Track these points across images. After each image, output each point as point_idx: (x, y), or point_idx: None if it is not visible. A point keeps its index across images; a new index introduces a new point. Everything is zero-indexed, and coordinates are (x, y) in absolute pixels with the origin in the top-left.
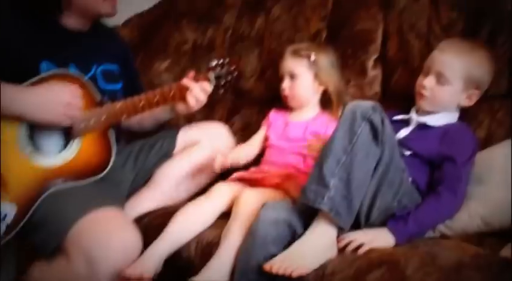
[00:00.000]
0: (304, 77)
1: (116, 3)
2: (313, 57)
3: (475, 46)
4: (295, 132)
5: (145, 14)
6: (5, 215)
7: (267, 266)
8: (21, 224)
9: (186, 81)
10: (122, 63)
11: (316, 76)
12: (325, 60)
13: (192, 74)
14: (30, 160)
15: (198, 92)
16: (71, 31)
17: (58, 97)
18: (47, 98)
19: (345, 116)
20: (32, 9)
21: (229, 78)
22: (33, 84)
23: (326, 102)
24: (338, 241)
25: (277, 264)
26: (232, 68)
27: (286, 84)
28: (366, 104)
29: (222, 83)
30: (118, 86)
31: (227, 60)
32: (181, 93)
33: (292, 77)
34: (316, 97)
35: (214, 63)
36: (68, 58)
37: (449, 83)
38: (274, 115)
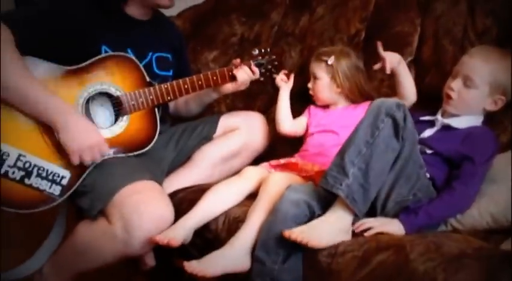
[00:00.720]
0: (323, 79)
1: None
2: (330, 62)
3: (504, 54)
4: (328, 121)
5: (198, 7)
6: (62, 178)
7: (286, 233)
8: (75, 187)
9: (229, 70)
10: (176, 52)
11: (333, 78)
12: (344, 64)
13: (236, 60)
14: None
15: (244, 73)
16: (132, 19)
17: (89, 138)
18: (81, 131)
19: (370, 111)
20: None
21: (269, 67)
22: (92, 63)
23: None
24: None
25: (296, 233)
26: (273, 57)
27: (310, 84)
28: (391, 101)
29: (263, 71)
30: (169, 73)
31: (269, 50)
32: (223, 78)
33: (315, 78)
34: (340, 96)
35: (256, 52)
36: (126, 44)
37: (476, 86)
38: (313, 109)
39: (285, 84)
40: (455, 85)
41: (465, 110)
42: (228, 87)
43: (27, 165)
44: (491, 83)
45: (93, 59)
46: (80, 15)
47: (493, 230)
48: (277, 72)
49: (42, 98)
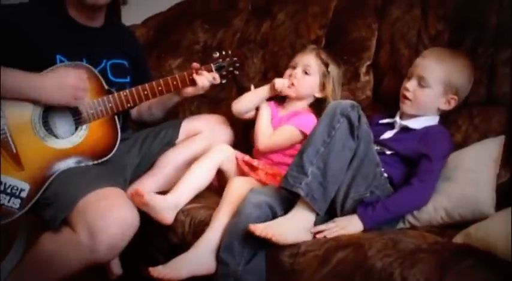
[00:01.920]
0: (314, 77)
1: None
2: (330, 68)
3: (455, 54)
4: (278, 124)
5: (161, 14)
6: (21, 191)
7: (252, 227)
8: (35, 199)
9: (189, 74)
10: (132, 59)
11: (323, 84)
12: (336, 75)
13: (195, 64)
14: (44, 142)
15: (204, 79)
16: (84, 27)
17: (65, 80)
18: (55, 81)
19: (326, 112)
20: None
21: (230, 69)
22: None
23: (317, 107)
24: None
25: (261, 228)
26: (234, 59)
27: (298, 73)
28: (346, 102)
29: (224, 73)
30: (126, 79)
31: (230, 52)
32: (183, 82)
33: (306, 71)
34: (310, 100)
35: (217, 54)
36: (80, 52)
37: (430, 86)
38: (272, 105)
39: (266, 104)
40: (410, 85)
41: (421, 109)
42: (189, 90)
43: None
44: (445, 83)
45: (49, 69)
46: (31, 27)
47: (446, 225)
48: (240, 80)
49: (6, 80)
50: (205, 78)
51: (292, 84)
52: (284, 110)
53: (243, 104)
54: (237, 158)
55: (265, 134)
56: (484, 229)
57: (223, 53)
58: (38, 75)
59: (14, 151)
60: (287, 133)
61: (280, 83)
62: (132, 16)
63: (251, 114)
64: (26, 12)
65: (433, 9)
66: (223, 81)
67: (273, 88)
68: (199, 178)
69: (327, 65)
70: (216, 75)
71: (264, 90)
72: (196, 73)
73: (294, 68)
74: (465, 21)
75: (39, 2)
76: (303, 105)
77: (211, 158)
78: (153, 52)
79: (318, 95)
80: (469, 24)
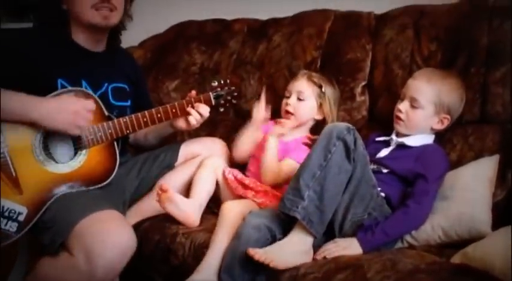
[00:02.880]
0: (310, 102)
1: (110, 13)
2: (324, 89)
3: (446, 75)
4: (282, 149)
5: (158, 36)
6: (18, 214)
7: (251, 251)
8: (32, 223)
9: (187, 102)
10: (133, 82)
11: (320, 106)
12: (332, 95)
13: (194, 93)
14: (43, 166)
15: (197, 115)
16: (86, 51)
17: (68, 107)
18: (58, 107)
19: (322, 136)
20: (45, 25)
21: (228, 98)
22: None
23: (317, 130)
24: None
25: (260, 253)
26: (232, 88)
27: (292, 101)
28: (342, 125)
29: (222, 102)
30: (127, 103)
31: (228, 81)
32: (182, 112)
33: (300, 97)
34: (311, 123)
35: (215, 83)
36: (81, 75)
37: (422, 107)
38: (270, 127)
39: (272, 135)
40: (402, 107)
41: (414, 129)
42: (182, 126)
43: None
44: (436, 103)
45: (51, 95)
46: (32, 52)
47: (445, 245)
48: (237, 102)
49: (7, 102)
50: (194, 119)
51: (288, 112)
52: (287, 135)
53: (242, 151)
54: (223, 172)
55: (273, 170)
56: (482, 248)
57: (222, 81)
58: (42, 99)
59: (14, 174)
60: (294, 170)
61: (257, 113)
62: (128, 38)
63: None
64: (28, 36)
65: (425, 30)
66: (221, 109)
67: (259, 122)
68: (206, 184)
69: (320, 87)
70: (206, 113)
71: (253, 130)
72: (194, 104)
73: (288, 97)
74: (457, 42)
75: (42, 26)
76: (305, 129)
77: (207, 167)
78: (150, 74)
79: (318, 117)
80: (461, 45)
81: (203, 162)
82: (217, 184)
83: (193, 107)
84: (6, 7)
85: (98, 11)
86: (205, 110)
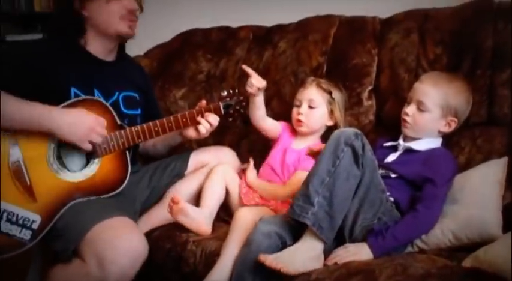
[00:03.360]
0: (322, 109)
1: (134, 24)
2: (333, 95)
3: (452, 78)
4: (290, 158)
5: (164, 45)
6: (32, 222)
7: (262, 257)
8: (45, 231)
9: (198, 112)
10: (142, 91)
11: (331, 112)
12: (340, 100)
13: (204, 102)
14: (57, 175)
15: (206, 124)
16: (98, 60)
17: (84, 122)
18: (74, 120)
19: (330, 142)
20: (58, 33)
21: (237, 107)
22: (64, 108)
23: (328, 136)
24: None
25: (270, 259)
26: (241, 98)
27: (303, 110)
28: (349, 131)
29: (231, 111)
30: (137, 111)
31: (237, 91)
32: (192, 121)
33: (312, 105)
34: (323, 129)
35: (224, 93)
36: (93, 84)
37: (429, 110)
38: (284, 130)
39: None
40: (409, 110)
41: (421, 133)
42: (192, 135)
43: None
44: (443, 106)
45: (64, 104)
46: (46, 64)
47: (455, 248)
48: (246, 112)
49: (25, 111)
50: (206, 127)
51: (300, 121)
52: (298, 142)
53: (254, 117)
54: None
55: (280, 192)
56: (493, 251)
57: (231, 91)
58: (62, 111)
59: (28, 183)
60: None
61: (249, 174)
62: (134, 47)
63: (267, 121)
64: (40, 48)
65: (430, 34)
66: (230, 119)
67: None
68: (216, 192)
69: (330, 93)
70: (215, 123)
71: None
72: (204, 113)
73: (299, 105)
74: (462, 45)
75: (54, 37)
76: (317, 136)
77: (216, 174)
78: (157, 83)
79: (329, 123)
80: (466, 48)
81: (213, 170)
82: (227, 191)
83: (203, 116)
84: (11, 20)
85: (125, 21)
86: (214, 119)
